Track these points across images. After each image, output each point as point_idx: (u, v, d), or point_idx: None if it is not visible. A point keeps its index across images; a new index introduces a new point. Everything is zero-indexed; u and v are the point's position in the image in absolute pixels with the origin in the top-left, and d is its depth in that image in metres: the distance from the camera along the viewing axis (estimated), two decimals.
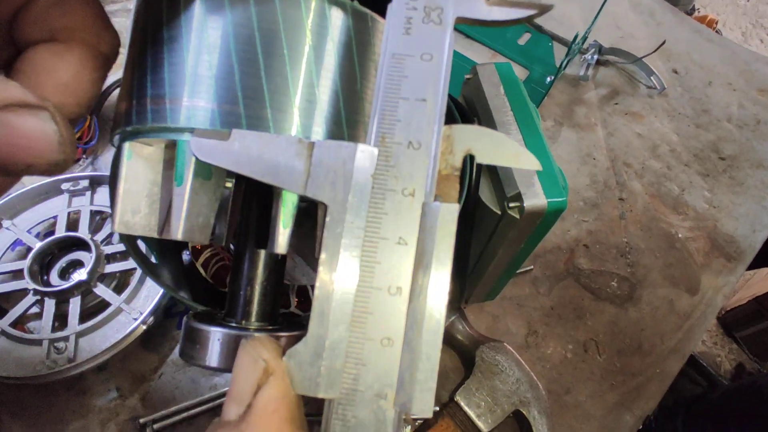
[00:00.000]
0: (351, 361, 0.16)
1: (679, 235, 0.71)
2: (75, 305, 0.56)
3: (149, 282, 0.59)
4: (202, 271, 0.41)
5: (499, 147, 0.18)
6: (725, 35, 2.58)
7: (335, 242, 0.16)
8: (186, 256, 0.48)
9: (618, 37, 0.94)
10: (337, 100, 0.19)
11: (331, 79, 0.19)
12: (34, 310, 0.57)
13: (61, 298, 0.56)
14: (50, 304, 0.56)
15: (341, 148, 0.17)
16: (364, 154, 0.17)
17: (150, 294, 0.58)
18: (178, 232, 0.18)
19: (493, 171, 0.41)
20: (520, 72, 0.86)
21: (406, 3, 0.18)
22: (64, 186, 0.63)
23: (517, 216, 0.38)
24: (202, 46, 0.18)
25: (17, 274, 0.58)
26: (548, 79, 0.84)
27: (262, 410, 0.15)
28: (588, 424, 0.56)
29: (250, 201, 0.21)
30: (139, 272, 0.59)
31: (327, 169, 0.17)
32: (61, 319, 0.56)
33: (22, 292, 0.57)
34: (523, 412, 0.52)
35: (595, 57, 0.89)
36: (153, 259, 0.48)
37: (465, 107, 0.44)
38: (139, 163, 0.19)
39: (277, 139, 0.17)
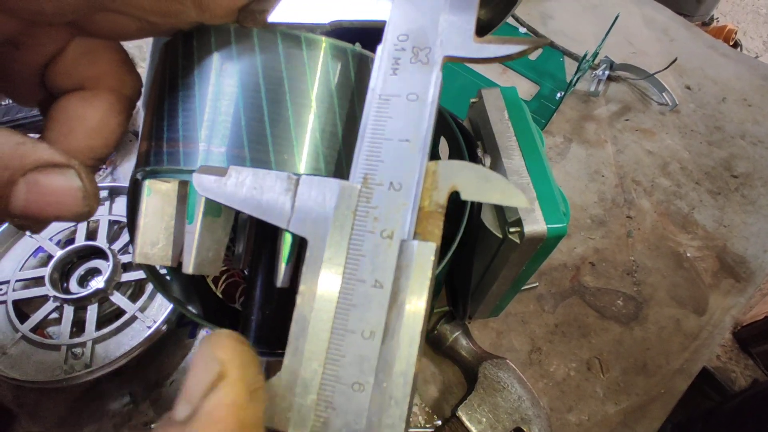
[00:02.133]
0: (322, 403, 0.16)
1: (688, 255, 0.71)
2: (92, 312, 0.58)
3: None
4: (212, 286, 0.43)
5: (485, 183, 0.17)
6: (745, 45, 2.54)
7: (313, 278, 0.16)
8: None
9: (630, 53, 0.94)
10: (337, 141, 0.20)
11: (332, 122, 0.20)
12: (54, 315, 0.59)
13: (80, 305, 0.59)
14: (69, 311, 0.58)
15: (324, 183, 0.17)
16: (346, 190, 0.17)
17: (163, 303, 0.60)
18: (189, 267, 0.19)
19: None
20: (530, 87, 0.87)
21: (395, 44, 0.18)
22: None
23: (518, 240, 0.39)
24: (213, 94, 0.19)
25: (38, 281, 0.60)
26: (558, 94, 0.84)
27: (206, 417, 0.13)
28: None
29: (260, 234, 0.23)
30: None
31: (310, 204, 0.17)
32: (78, 326, 0.59)
33: (43, 299, 0.59)
34: (524, 429, 0.52)
35: (606, 73, 0.89)
36: (163, 271, 0.49)
37: (469, 131, 0.45)
38: (157, 198, 0.20)
39: (268, 175, 0.18)
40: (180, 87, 0.20)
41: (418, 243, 0.16)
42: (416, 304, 0.16)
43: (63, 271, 0.61)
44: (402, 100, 0.18)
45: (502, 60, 0.18)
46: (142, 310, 0.59)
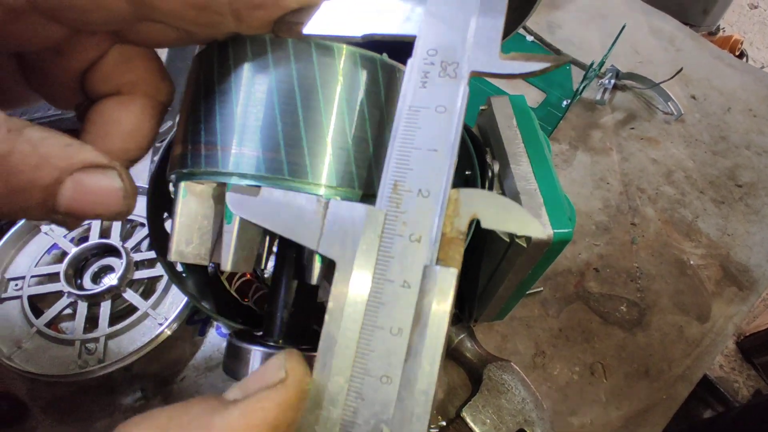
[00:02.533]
0: (352, 393, 0.17)
1: (691, 262, 0.71)
2: (105, 309, 0.60)
3: (174, 289, 0.62)
4: (226, 284, 0.44)
5: (504, 213, 0.18)
6: (751, 56, 2.55)
7: (341, 297, 0.17)
8: (211, 267, 0.51)
9: (636, 62, 0.95)
10: (367, 146, 0.21)
11: (362, 127, 0.21)
12: (68, 311, 0.61)
13: (93, 301, 0.60)
14: (83, 307, 0.59)
15: (353, 209, 0.18)
16: (372, 216, 0.18)
17: (175, 301, 0.61)
18: (227, 264, 0.20)
19: None
20: (537, 95, 0.88)
21: (425, 58, 0.19)
22: None
23: (525, 245, 0.40)
24: (249, 100, 0.20)
25: (53, 277, 0.62)
26: (565, 102, 0.85)
27: (253, 403, 0.15)
28: None
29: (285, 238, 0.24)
30: (165, 279, 0.62)
31: (338, 228, 0.18)
32: (91, 321, 0.60)
33: (57, 294, 0.61)
34: (527, 431, 0.53)
35: (613, 82, 0.90)
36: (179, 268, 0.51)
37: (478, 138, 0.46)
38: (193, 199, 0.21)
39: (298, 197, 0.18)
40: (216, 93, 0.20)
41: (440, 269, 0.17)
42: (438, 325, 0.17)
43: (77, 268, 0.63)
44: (431, 112, 0.18)
45: (525, 76, 0.18)
46: (154, 307, 0.60)
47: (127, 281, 0.61)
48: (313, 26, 0.19)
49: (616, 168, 0.81)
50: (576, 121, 0.86)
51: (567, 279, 0.69)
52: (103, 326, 0.58)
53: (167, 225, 0.43)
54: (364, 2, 0.20)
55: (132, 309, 0.60)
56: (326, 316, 0.17)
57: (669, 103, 0.88)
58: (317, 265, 0.20)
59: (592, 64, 0.78)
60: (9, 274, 0.62)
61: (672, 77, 0.85)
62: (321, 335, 0.17)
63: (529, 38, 0.96)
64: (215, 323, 0.63)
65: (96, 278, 0.63)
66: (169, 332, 0.59)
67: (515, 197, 0.42)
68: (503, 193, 0.44)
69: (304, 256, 0.21)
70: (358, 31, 0.19)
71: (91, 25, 0.18)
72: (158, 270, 0.63)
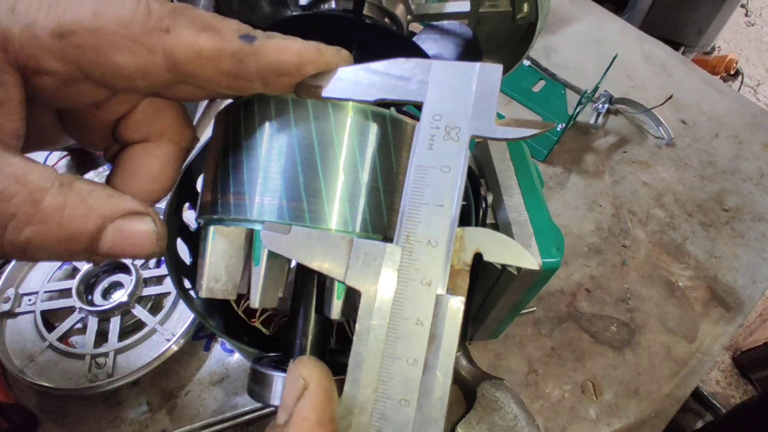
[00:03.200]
0: (376, 415, 0.20)
1: (680, 284, 0.74)
2: (115, 324, 0.62)
3: (181, 306, 0.65)
4: (234, 305, 0.46)
5: (504, 248, 0.21)
6: (747, 72, 2.59)
7: (366, 322, 0.20)
8: None
9: (629, 87, 0.98)
10: (378, 194, 0.23)
11: (374, 177, 0.23)
12: (78, 326, 0.63)
13: (103, 316, 0.62)
14: (93, 322, 0.62)
15: (373, 246, 0.21)
16: (391, 251, 0.21)
17: (181, 317, 0.64)
18: (256, 302, 0.23)
19: (496, 230, 0.46)
20: (533, 118, 0.91)
21: (431, 122, 0.21)
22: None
23: (515, 272, 0.43)
24: (273, 154, 0.22)
25: (65, 293, 0.64)
26: (560, 126, 0.88)
27: (297, 416, 0.19)
28: None
29: (307, 274, 0.26)
30: (172, 296, 0.65)
31: (362, 263, 0.21)
32: (101, 336, 0.62)
33: (69, 310, 0.63)
34: None
35: (606, 106, 0.93)
36: (188, 286, 0.53)
37: (474, 170, 0.49)
38: (221, 241, 0.24)
39: (325, 236, 0.21)
40: (244, 148, 0.23)
41: (450, 297, 0.20)
42: (450, 347, 0.20)
43: (88, 284, 0.65)
44: (437, 172, 0.21)
45: (517, 140, 0.21)
46: (162, 323, 0.63)
47: (136, 297, 0.64)
48: (331, 90, 0.22)
49: (608, 191, 0.84)
50: (570, 144, 0.89)
51: (559, 299, 0.71)
52: (113, 341, 0.61)
53: (180, 249, 0.46)
54: (376, 70, 0.22)
55: (140, 324, 0.63)
56: (354, 338, 0.20)
57: (660, 127, 0.92)
58: (336, 302, 0.23)
59: (585, 92, 0.81)
60: (22, 289, 0.64)
61: (663, 103, 0.88)
62: (351, 353, 0.20)
63: (526, 63, 0.99)
64: (220, 339, 0.65)
65: (106, 294, 0.65)
66: (175, 348, 0.61)
67: (507, 227, 0.45)
68: (496, 223, 0.46)
69: (324, 291, 0.24)
70: (371, 95, 0.22)
71: (134, 90, 0.21)
72: (166, 287, 0.65)
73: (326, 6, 0.33)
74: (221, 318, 0.51)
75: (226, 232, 0.24)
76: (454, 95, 0.21)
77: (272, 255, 0.23)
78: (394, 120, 0.24)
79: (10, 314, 0.63)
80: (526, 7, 0.32)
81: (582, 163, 0.87)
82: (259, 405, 0.60)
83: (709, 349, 0.69)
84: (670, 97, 0.88)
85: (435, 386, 0.20)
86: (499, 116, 0.22)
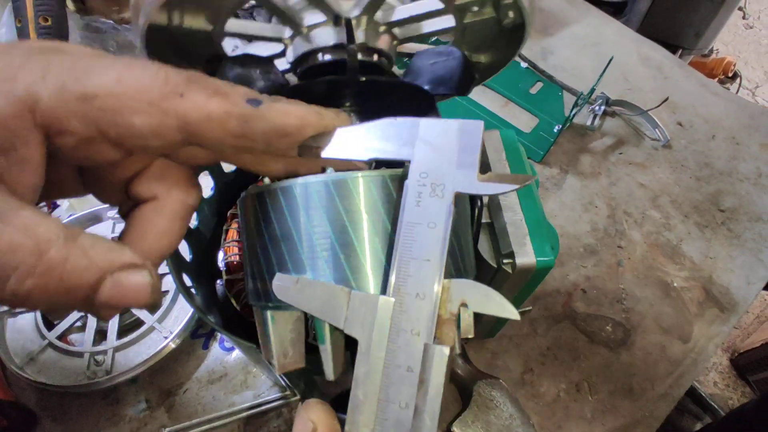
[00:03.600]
0: None
1: (675, 284, 0.75)
2: (113, 322, 0.62)
3: (179, 304, 0.65)
4: (233, 302, 0.47)
5: (487, 300, 0.22)
6: (746, 75, 2.60)
7: (365, 368, 0.22)
8: (219, 285, 0.54)
9: (626, 89, 0.99)
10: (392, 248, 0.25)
11: (389, 237, 0.24)
12: (78, 324, 0.63)
13: None
14: (92, 321, 0.62)
15: (368, 297, 0.22)
16: (384, 302, 0.22)
17: (180, 315, 0.64)
18: (330, 376, 0.25)
19: (492, 229, 0.47)
20: (529, 120, 0.92)
21: (418, 180, 0.23)
22: (109, 214, 0.71)
23: (510, 271, 0.43)
24: (312, 240, 0.24)
25: None
26: (556, 128, 0.89)
27: None
28: None
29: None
30: (171, 294, 0.65)
31: (358, 312, 0.22)
32: (100, 335, 0.63)
33: None
34: None
35: (603, 108, 0.94)
36: (189, 283, 0.54)
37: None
38: (280, 323, 0.26)
39: (328, 287, 0.23)
40: (280, 237, 0.25)
41: (437, 347, 0.21)
42: (436, 390, 0.21)
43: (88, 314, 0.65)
44: (423, 227, 0.22)
45: (500, 194, 0.22)
46: (160, 321, 0.63)
47: None
48: (329, 151, 0.23)
49: (604, 192, 0.84)
50: (567, 145, 0.90)
51: (555, 299, 0.72)
52: (112, 339, 0.61)
53: (180, 247, 0.46)
54: (369, 130, 0.23)
55: (139, 323, 0.63)
56: (353, 383, 0.22)
57: (656, 129, 0.92)
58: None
59: (581, 94, 0.82)
60: None
61: (659, 105, 0.88)
62: (350, 396, 0.22)
63: (523, 65, 1.00)
64: (219, 337, 0.66)
65: (107, 316, 0.65)
66: (174, 345, 0.61)
67: (503, 227, 0.45)
68: (491, 222, 0.47)
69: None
70: (365, 155, 0.23)
71: (147, 150, 0.22)
72: (164, 285, 0.66)
73: (312, 61, 0.34)
74: (220, 314, 0.52)
75: (283, 315, 0.26)
76: (439, 152, 0.22)
77: (332, 330, 0.25)
78: (393, 177, 0.25)
79: (11, 313, 0.63)
80: (511, 14, 0.32)
81: (578, 164, 0.87)
82: (256, 402, 0.61)
83: (703, 349, 0.69)
84: (666, 99, 0.88)
85: (423, 429, 0.21)
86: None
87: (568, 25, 1.11)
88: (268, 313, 0.26)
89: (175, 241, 0.25)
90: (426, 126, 0.23)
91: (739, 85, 2.26)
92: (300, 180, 0.24)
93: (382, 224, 0.24)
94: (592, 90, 0.86)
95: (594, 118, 0.93)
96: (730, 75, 2.26)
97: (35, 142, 0.19)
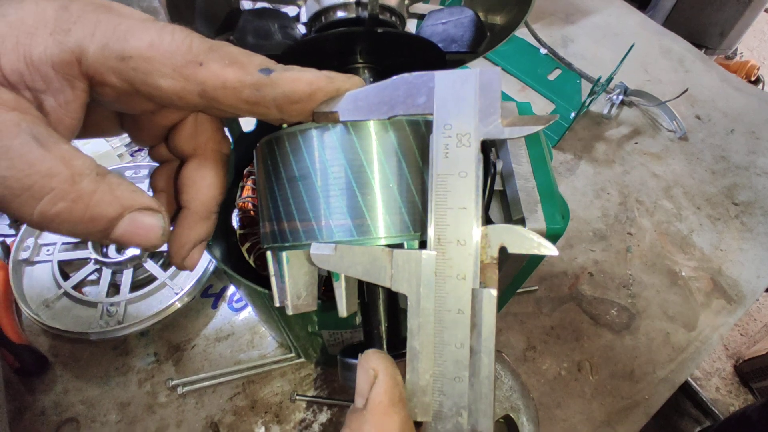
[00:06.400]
0: (436, 392, 0.23)
1: (683, 274, 0.74)
2: (127, 276, 0.64)
3: None
4: (246, 255, 0.48)
5: (525, 241, 0.22)
6: None
7: (417, 320, 0.23)
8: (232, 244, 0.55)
9: (645, 81, 0.98)
10: (413, 194, 0.25)
11: (406, 180, 0.25)
12: (92, 277, 0.65)
13: (117, 268, 0.64)
14: (107, 273, 0.64)
15: (410, 254, 0.23)
16: (427, 256, 0.23)
17: (191, 274, 0.65)
18: (343, 312, 0.26)
19: (504, 196, 0.47)
20: (546, 105, 0.91)
21: (443, 133, 0.23)
22: (127, 173, 0.72)
23: None
24: (329, 179, 0.24)
25: (80, 245, 0.66)
26: (572, 114, 0.89)
27: (372, 401, 0.23)
28: None
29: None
30: None
31: (403, 269, 0.23)
32: (114, 288, 0.65)
33: (84, 261, 0.65)
34: (513, 417, 0.56)
35: (620, 97, 0.93)
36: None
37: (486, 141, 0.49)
38: (295, 264, 0.27)
39: (368, 250, 0.24)
40: (298, 178, 0.25)
41: (485, 290, 0.22)
42: (489, 330, 0.22)
43: (99, 243, 0.67)
44: (455, 178, 0.22)
45: (525, 136, 0.22)
46: (172, 278, 0.65)
47: (147, 253, 0.66)
48: (347, 114, 0.24)
49: (617, 180, 0.84)
50: (582, 132, 0.90)
51: (562, 281, 0.72)
52: (125, 292, 0.63)
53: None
54: (385, 88, 0.24)
55: (151, 278, 0.65)
56: (408, 335, 0.23)
57: (674, 121, 0.91)
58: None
59: (599, 79, 0.81)
60: (42, 239, 0.67)
61: (678, 96, 0.88)
62: (407, 348, 0.23)
63: (543, 51, 0.99)
64: (227, 298, 0.67)
65: (120, 248, 0.67)
66: (186, 299, 0.63)
67: (515, 193, 0.46)
68: (504, 190, 0.47)
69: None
70: (384, 113, 0.24)
71: (175, 107, 0.25)
72: None
73: (325, 18, 0.35)
74: (233, 269, 0.53)
75: (298, 255, 0.27)
76: (459, 103, 0.23)
77: None
78: (410, 122, 0.26)
79: (29, 262, 0.65)
80: None
81: (593, 151, 0.87)
82: (261, 362, 0.62)
83: (707, 338, 0.69)
84: (686, 91, 0.88)
85: (482, 367, 0.22)
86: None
87: (591, 13, 1.10)
88: (284, 254, 0.27)
89: (223, 188, 0.27)
90: (442, 78, 0.23)
91: (762, 89, 2.22)
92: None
93: (398, 164, 0.25)
94: (611, 78, 0.85)
95: (611, 107, 0.93)
96: (753, 79, 2.22)
97: (80, 88, 0.21)
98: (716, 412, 1.64)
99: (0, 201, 0.19)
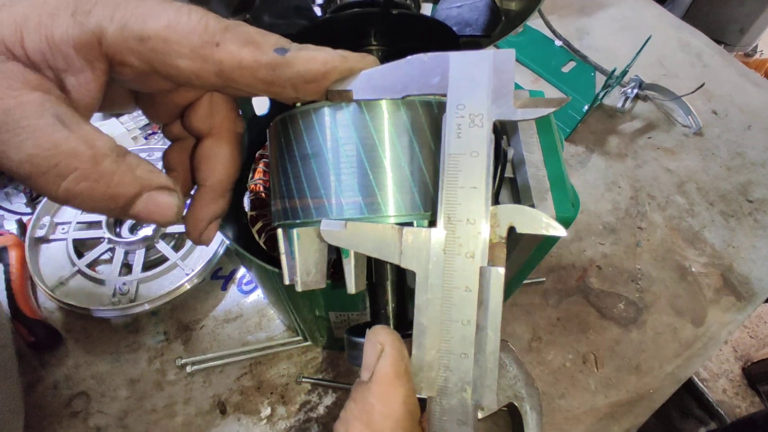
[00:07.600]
0: (442, 368, 0.24)
1: (693, 269, 0.74)
2: (139, 256, 0.65)
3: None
4: (256, 236, 0.48)
5: (534, 221, 0.23)
6: None
7: (425, 296, 0.23)
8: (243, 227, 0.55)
9: (661, 75, 0.97)
10: (423, 174, 0.25)
11: (417, 160, 0.25)
12: (105, 256, 0.66)
13: (129, 248, 0.65)
14: (120, 253, 0.65)
15: (420, 232, 0.23)
16: (436, 233, 0.23)
17: (202, 255, 0.66)
18: (352, 289, 0.26)
19: (514, 184, 0.47)
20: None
21: (456, 113, 0.23)
22: (141, 156, 0.73)
23: None
24: (341, 157, 0.25)
25: (95, 225, 0.68)
26: (585, 107, 0.88)
27: (378, 372, 0.23)
28: (576, 428, 0.60)
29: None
30: None
31: (413, 247, 0.23)
32: (126, 267, 0.66)
33: (98, 240, 0.67)
34: (516, 405, 0.57)
35: (635, 91, 0.92)
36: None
37: (496, 125, 0.49)
38: (306, 241, 0.27)
39: (378, 227, 0.24)
40: (311, 155, 0.26)
41: (492, 269, 0.23)
42: (495, 307, 0.23)
43: (117, 218, 0.68)
44: (467, 157, 0.23)
45: (536, 118, 0.22)
46: (183, 259, 0.66)
47: (160, 233, 0.67)
48: (362, 93, 0.24)
49: (629, 174, 0.83)
50: (595, 125, 0.89)
51: (570, 273, 0.72)
52: (137, 271, 0.64)
53: None
54: (400, 68, 0.24)
55: (163, 259, 0.66)
56: (415, 311, 0.23)
57: (689, 116, 0.90)
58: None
59: (613, 71, 0.80)
60: (57, 218, 0.68)
61: (694, 91, 0.86)
62: (414, 324, 0.24)
63: (558, 43, 0.98)
64: (237, 280, 0.68)
65: (133, 229, 0.68)
66: (196, 280, 0.64)
67: (525, 181, 0.46)
68: (514, 177, 0.47)
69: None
70: (398, 93, 0.24)
71: (192, 87, 0.25)
72: None
73: (340, 0, 0.35)
74: (244, 247, 0.54)
75: (308, 232, 0.27)
76: (473, 84, 0.23)
77: None
78: (423, 102, 0.26)
79: (45, 240, 0.66)
80: None
81: (605, 144, 0.86)
82: (269, 344, 0.63)
83: (715, 334, 0.69)
84: (702, 86, 0.86)
85: (488, 342, 0.23)
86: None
87: (607, 5, 1.09)
88: (295, 231, 0.27)
89: (238, 166, 0.28)
90: (457, 59, 0.23)
91: None
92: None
93: (409, 144, 0.25)
94: (626, 71, 0.84)
95: (625, 100, 0.92)
96: None
97: (100, 69, 0.22)
98: (722, 413, 1.63)
99: (27, 177, 0.20)
